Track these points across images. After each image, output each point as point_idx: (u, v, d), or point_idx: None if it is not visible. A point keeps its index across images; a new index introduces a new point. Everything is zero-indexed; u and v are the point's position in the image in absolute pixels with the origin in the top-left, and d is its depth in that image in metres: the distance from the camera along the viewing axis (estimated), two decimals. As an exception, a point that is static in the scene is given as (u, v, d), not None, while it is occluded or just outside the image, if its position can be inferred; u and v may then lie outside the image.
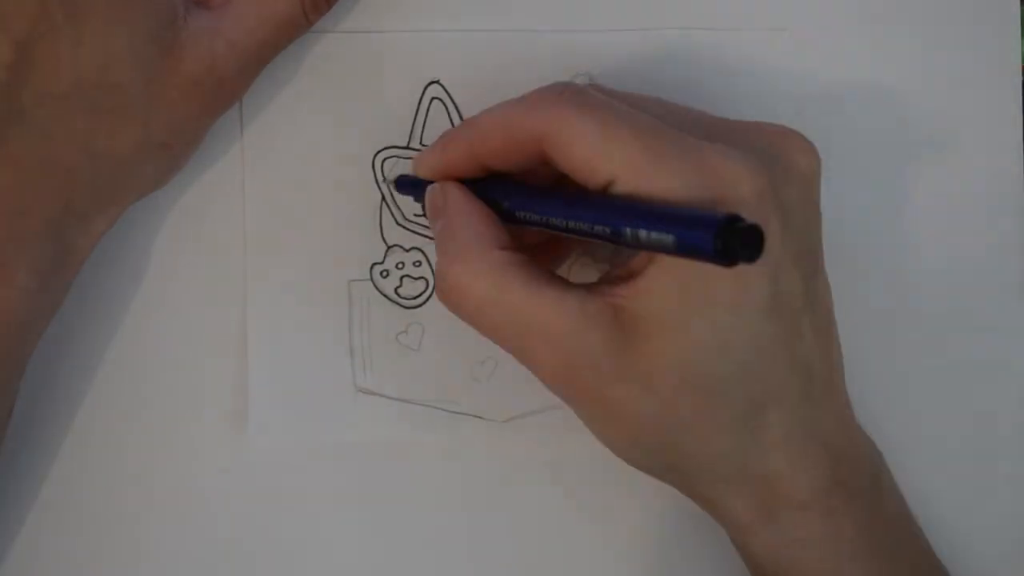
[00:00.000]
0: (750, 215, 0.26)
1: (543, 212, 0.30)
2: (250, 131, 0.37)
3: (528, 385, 0.37)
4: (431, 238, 0.37)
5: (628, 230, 0.27)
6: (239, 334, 0.37)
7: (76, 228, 0.33)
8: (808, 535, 0.32)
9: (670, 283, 0.29)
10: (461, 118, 0.37)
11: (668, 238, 0.26)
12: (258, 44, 0.34)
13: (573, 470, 0.38)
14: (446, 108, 0.37)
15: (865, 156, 0.38)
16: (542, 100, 0.30)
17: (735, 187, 0.29)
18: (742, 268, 0.25)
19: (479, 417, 0.38)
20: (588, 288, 0.30)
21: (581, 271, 0.37)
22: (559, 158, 0.30)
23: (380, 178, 0.37)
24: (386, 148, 0.37)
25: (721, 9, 0.37)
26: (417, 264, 0.37)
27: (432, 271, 0.37)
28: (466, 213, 0.32)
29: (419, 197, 0.34)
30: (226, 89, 0.34)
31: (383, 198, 0.37)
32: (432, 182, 0.33)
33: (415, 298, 0.38)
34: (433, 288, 0.37)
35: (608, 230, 0.28)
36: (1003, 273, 0.39)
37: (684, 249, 0.26)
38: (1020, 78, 0.38)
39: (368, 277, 0.37)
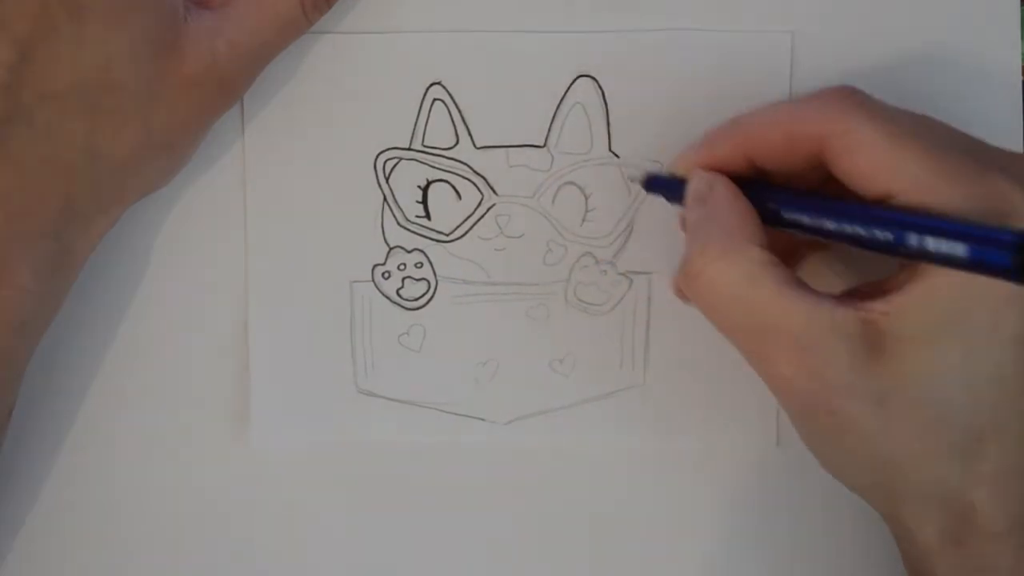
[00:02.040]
0: None
1: (817, 215, 0.30)
2: (251, 131, 0.37)
3: (530, 387, 0.37)
4: (432, 239, 0.37)
5: (915, 238, 0.27)
6: (240, 335, 0.37)
7: (77, 228, 0.33)
8: (997, 565, 0.31)
9: (930, 304, 0.29)
10: (463, 119, 0.37)
11: (960, 248, 0.26)
12: (259, 44, 0.34)
13: (574, 471, 0.38)
14: (448, 109, 0.37)
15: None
16: (828, 101, 0.30)
17: (1017, 214, 0.28)
18: (1001, 298, 0.26)
19: (480, 419, 0.37)
20: (839, 299, 0.30)
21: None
22: (840, 163, 0.29)
23: (384, 179, 0.37)
24: (388, 149, 0.37)
25: (721, 9, 0.37)
26: (419, 265, 0.37)
27: (433, 272, 0.37)
28: (731, 204, 0.31)
29: (673, 197, 0.34)
30: (227, 89, 0.34)
31: (385, 199, 0.37)
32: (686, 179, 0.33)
33: (417, 299, 0.37)
34: (435, 288, 0.37)
35: (891, 236, 0.28)
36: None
37: (976, 262, 0.26)
38: (1020, 78, 0.37)
39: (370, 278, 0.37)
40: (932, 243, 0.27)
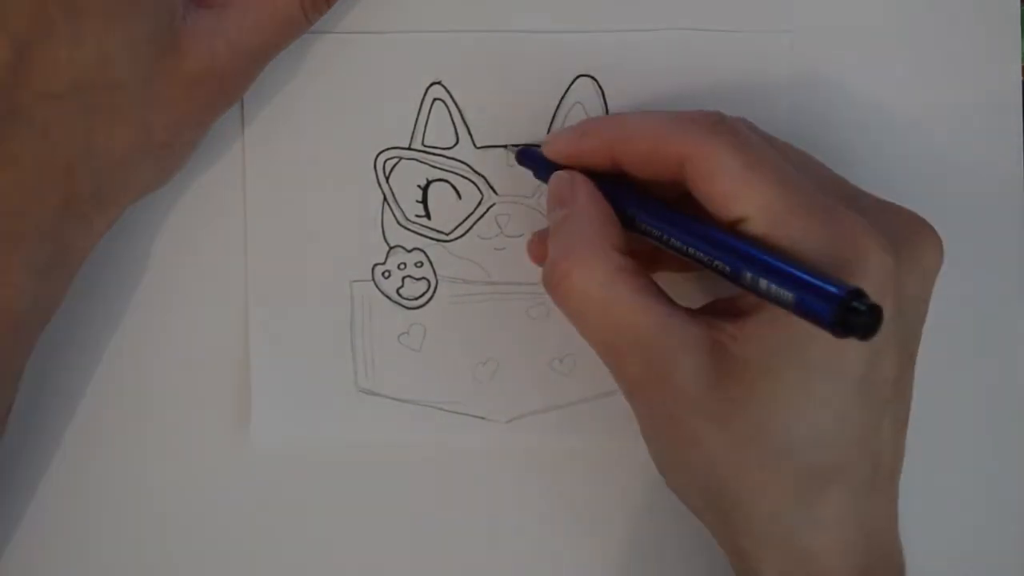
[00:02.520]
0: (871, 293, 0.26)
1: (667, 230, 0.30)
2: (252, 131, 0.37)
3: (529, 386, 0.37)
4: (432, 239, 0.37)
5: (749, 275, 0.28)
6: (241, 334, 0.37)
7: (75, 228, 0.33)
8: None
9: (775, 335, 0.29)
10: (463, 119, 0.37)
11: (788, 295, 0.27)
12: (258, 44, 0.33)
13: (574, 471, 0.38)
14: (448, 109, 0.37)
15: (864, 156, 0.38)
16: (693, 124, 0.30)
17: (863, 260, 0.28)
18: (847, 342, 0.25)
19: (481, 418, 0.37)
20: (692, 313, 0.30)
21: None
22: (697, 185, 0.30)
23: (385, 178, 0.37)
24: (388, 149, 0.37)
25: (721, 10, 0.37)
26: (419, 265, 0.37)
27: (433, 271, 0.37)
28: (591, 209, 0.31)
29: (539, 174, 0.34)
30: (226, 89, 0.34)
31: (385, 199, 0.37)
32: (556, 166, 0.33)
33: (417, 299, 0.37)
34: (435, 288, 0.37)
35: (728, 268, 0.28)
36: (1003, 273, 0.38)
37: (801, 310, 0.26)
38: (1020, 78, 0.37)
39: (370, 278, 0.37)
40: (763, 283, 0.27)
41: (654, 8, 0.36)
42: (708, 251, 0.29)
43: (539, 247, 0.34)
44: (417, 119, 0.37)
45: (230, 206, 0.37)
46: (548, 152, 0.34)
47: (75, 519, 0.37)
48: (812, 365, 0.29)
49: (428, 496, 0.37)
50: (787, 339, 0.29)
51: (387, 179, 0.37)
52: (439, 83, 0.36)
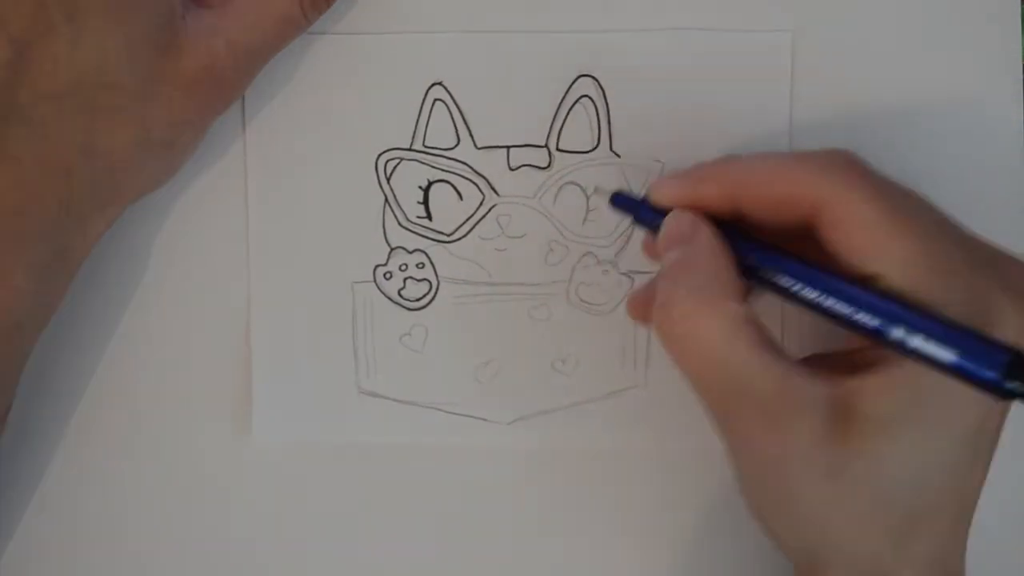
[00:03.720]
0: None
1: (799, 281, 0.29)
2: (253, 132, 0.37)
3: (531, 387, 0.36)
4: (434, 240, 0.37)
5: (900, 332, 0.26)
6: (242, 336, 0.37)
7: (74, 228, 0.33)
8: None
9: (902, 389, 0.28)
10: (464, 119, 0.36)
11: (947, 355, 0.25)
12: (257, 43, 0.33)
13: (577, 472, 0.37)
14: (449, 110, 0.36)
15: (864, 156, 0.37)
16: (830, 166, 0.29)
17: (1001, 321, 0.27)
18: (967, 395, 0.25)
19: (483, 419, 0.37)
20: (810, 367, 0.29)
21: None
22: (832, 233, 0.28)
23: (386, 179, 0.37)
24: (389, 150, 0.37)
25: (721, 9, 0.36)
26: (420, 266, 0.37)
27: (435, 272, 0.37)
28: (713, 253, 0.30)
29: (640, 220, 0.32)
30: (225, 88, 0.33)
31: (386, 200, 0.37)
32: (661, 212, 0.31)
33: (418, 300, 0.37)
34: (436, 289, 0.37)
35: (876, 323, 0.27)
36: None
37: (962, 372, 0.25)
38: (1020, 78, 0.37)
39: (371, 279, 0.37)
40: (918, 342, 0.26)
41: (654, 8, 0.36)
42: (848, 305, 0.28)
43: (642, 302, 0.33)
44: (418, 120, 0.36)
45: (231, 206, 0.37)
46: (658, 198, 0.31)
47: (75, 519, 0.37)
48: (931, 421, 0.28)
49: (429, 497, 0.37)
50: (912, 395, 0.28)
51: (388, 180, 0.36)
52: (440, 84, 0.36)
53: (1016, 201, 0.37)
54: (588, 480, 0.37)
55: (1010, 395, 0.24)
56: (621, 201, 0.33)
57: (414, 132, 0.36)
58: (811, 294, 0.28)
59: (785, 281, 0.29)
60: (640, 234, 0.36)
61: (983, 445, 0.30)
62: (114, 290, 0.37)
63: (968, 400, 0.26)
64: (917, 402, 0.28)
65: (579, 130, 0.36)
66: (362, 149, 0.36)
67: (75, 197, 0.32)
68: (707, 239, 0.30)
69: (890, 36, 0.37)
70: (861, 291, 0.28)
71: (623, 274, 0.37)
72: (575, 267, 0.37)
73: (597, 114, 0.36)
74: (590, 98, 0.36)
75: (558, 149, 0.36)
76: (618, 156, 0.36)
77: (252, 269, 0.37)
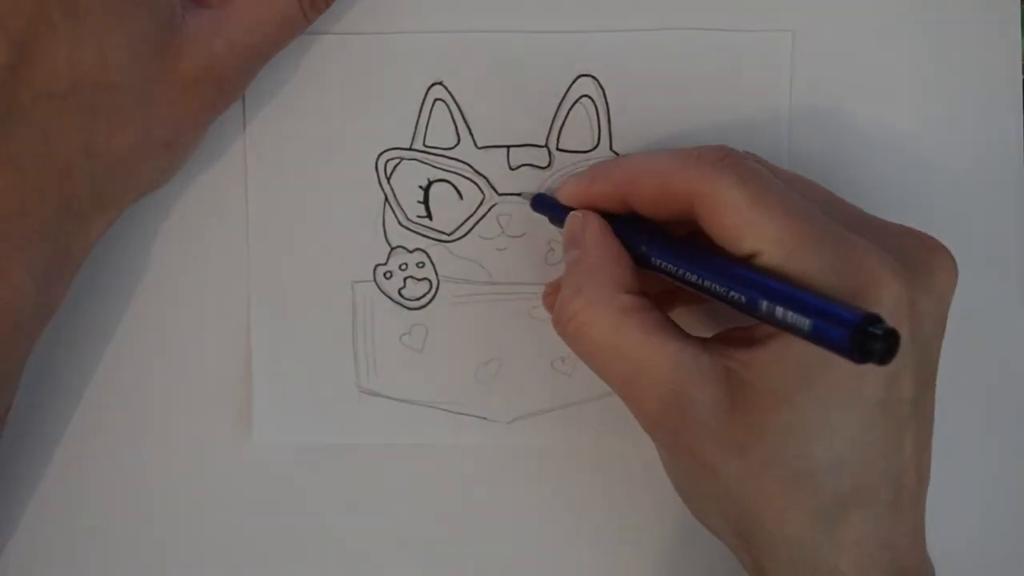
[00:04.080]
0: (886, 318, 0.26)
1: (681, 266, 0.31)
2: (253, 131, 0.36)
3: (532, 387, 0.36)
4: (434, 239, 0.36)
5: (765, 304, 0.28)
6: (242, 335, 0.37)
7: (75, 228, 0.33)
8: None
9: (791, 361, 0.29)
10: (464, 119, 0.36)
11: (805, 322, 0.26)
12: (257, 43, 0.33)
13: (576, 471, 0.37)
14: (449, 109, 0.36)
15: (865, 156, 0.37)
16: (700, 159, 0.30)
17: (876, 286, 0.28)
18: (864, 367, 0.25)
19: (483, 418, 0.37)
20: (704, 344, 0.30)
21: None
22: (707, 221, 0.30)
23: (386, 179, 0.36)
24: (389, 149, 0.36)
25: (722, 9, 0.36)
26: (420, 265, 0.37)
27: (435, 272, 0.37)
28: (601, 250, 0.32)
29: (555, 219, 0.34)
30: (225, 88, 0.33)
31: (386, 199, 0.37)
32: (571, 208, 0.33)
33: (418, 299, 0.37)
34: (436, 288, 0.37)
35: (743, 299, 0.28)
36: (1003, 273, 0.38)
37: (818, 337, 0.26)
38: (1020, 78, 0.37)
39: (371, 278, 0.37)
40: (780, 312, 0.27)
41: (654, 8, 0.36)
42: (723, 283, 0.29)
43: (553, 296, 0.34)
44: (418, 119, 0.36)
45: (231, 206, 0.37)
46: (562, 197, 0.34)
47: (75, 519, 0.37)
48: (828, 391, 0.29)
49: (430, 497, 0.37)
50: (802, 366, 0.29)
51: (388, 179, 0.36)
52: (440, 83, 0.36)
53: (1016, 202, 0.37)
54: (588, 479, 0.37)
55: (862, 357, 0.25)
56: (540, 203, 0.35)
57: (414, 132, 0.36)
58: (692, 276, 0.30)
59: (670, 267, 0.31)
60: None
61: (899, 418, 0.30)
62: (114, 290, 0.36)
63: (861, 370, 0.26)
64: (808, 374, 0.28)
65: (579, 130, 0.36)
66: (362, 149, 0.36)
67: (76, 197, 0.32)
68: (592, 237, 0.32)
69: (890, 36, 0.37)
70: (734, 269, 0.29)
71: (623, 274, 0.37)
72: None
73: (597, 114, 0.36)
74: (590, 98, 0.36)
75: (558, 149, 0.36)
76: (618, 155, 0.36)
77: (252, 269, 0.36)
